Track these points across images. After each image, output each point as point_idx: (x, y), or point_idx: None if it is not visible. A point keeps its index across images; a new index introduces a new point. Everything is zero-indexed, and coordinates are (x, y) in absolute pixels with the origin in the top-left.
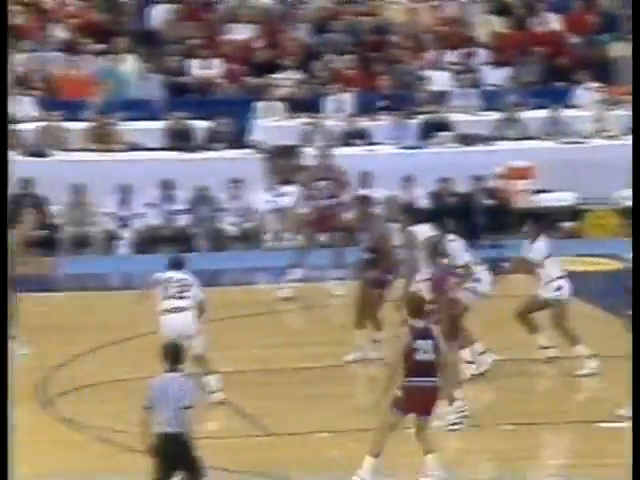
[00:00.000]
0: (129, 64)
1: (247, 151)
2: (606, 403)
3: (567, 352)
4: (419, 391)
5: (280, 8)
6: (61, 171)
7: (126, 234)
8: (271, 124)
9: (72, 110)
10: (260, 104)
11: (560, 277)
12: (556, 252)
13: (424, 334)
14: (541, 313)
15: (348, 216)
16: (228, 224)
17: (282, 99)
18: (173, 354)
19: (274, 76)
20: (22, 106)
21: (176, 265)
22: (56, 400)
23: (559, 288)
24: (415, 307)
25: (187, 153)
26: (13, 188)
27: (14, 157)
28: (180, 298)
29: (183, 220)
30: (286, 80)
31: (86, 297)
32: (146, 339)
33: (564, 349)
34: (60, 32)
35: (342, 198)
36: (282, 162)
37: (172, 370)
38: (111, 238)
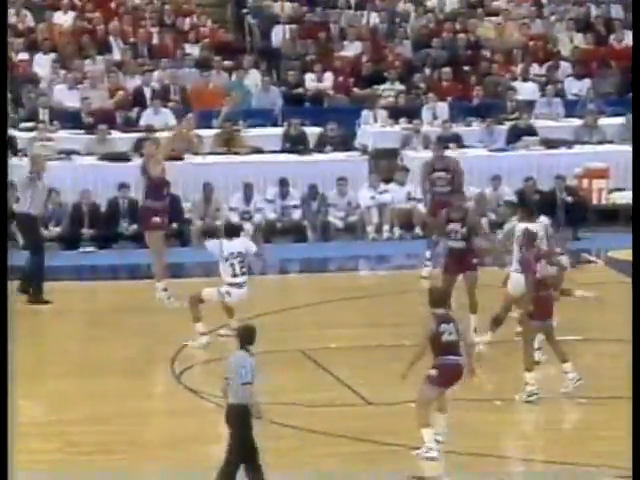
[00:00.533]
0: (253, 78)
1: (353, 153)
2: None
3: None
4: (449, 367)
5: (385, 26)
6: (193, 172)
7: (248, 226)
8: (375, 129)
9: (204, 119)
10: (365, 112)
11: None
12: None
13: (446, 319)
14: None
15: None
16: (335, 218)
17: (385, 107)
18: (245, 335)
19: (378, 87)
20: (161, 116)
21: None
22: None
23: None
24: (435, 297)
25: (301, 155)
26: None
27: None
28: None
29: (296, 214)
30: (389, 91)
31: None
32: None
33: None
34: (194, 50)
35: (458, 188)
36: (384, 163)
37: (242, 349)
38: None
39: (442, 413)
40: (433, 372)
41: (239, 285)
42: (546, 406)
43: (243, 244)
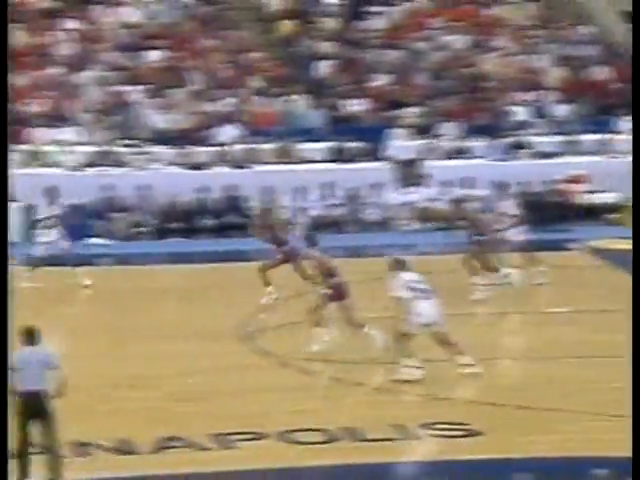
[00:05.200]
0: (302, 103)
1: (383, 163)
2: None
3: None
4: None
5: (407, 61)
6: (256, 178)
7: (300, 221)
8: (400, 144)
9: (264, 135)
10: (392, 130)
11: None
12: (603, 235)
13: None
14: None
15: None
16: (370, 214)
17: (407, 126)
18: None
19: (402, 110)
20: (230, 134)
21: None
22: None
23: None
24: None
25: (342, 164)
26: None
27: (221, 170)
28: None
29: (338, 211)
30: (410, 113)
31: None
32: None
33: None
34: (257, 81)
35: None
36: (407, 171)
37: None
38: (289, 224)
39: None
40: None
41: None
42: None
43: None
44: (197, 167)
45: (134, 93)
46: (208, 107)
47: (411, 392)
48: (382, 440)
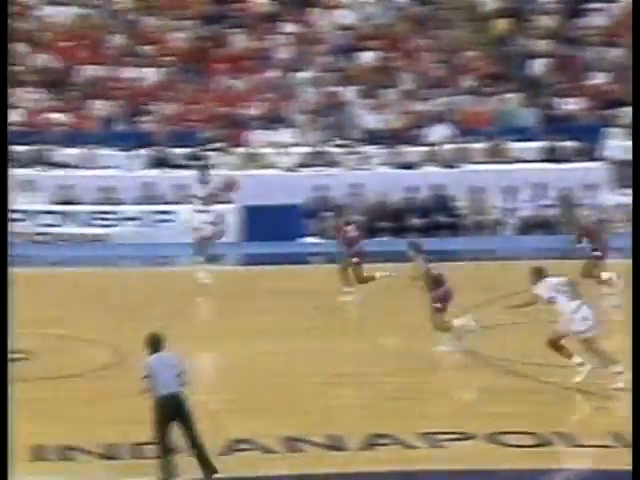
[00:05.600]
0: (516, 101)
1: (599, 163)
2: None
3: None
4: None
5: (625, 60)
6: (465, 178)
7: (510, 221)
8: (617, 144)
9: (475, 135)
10: (610, 129)
11: None
12: None
13: None
14: None
15: None
16: (583, 215)
17: (626, 126)
18: None
19: (621, 109)
20: (441, 134)
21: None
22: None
23: None
24: None
25: (555, 164)
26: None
27: (430, 169)
28: None
29: (550, 212)
30: (626, 112)
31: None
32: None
33: None
34: (469, 81)
35: None
36: (624, 171)
37: None
38: (499, 224)
39: None
40: None
41: None
42: None
43: None
44: (407, 167)
45: (347, 94)
46: (419, 107)
47: (624, 398)
48: (598, 447)
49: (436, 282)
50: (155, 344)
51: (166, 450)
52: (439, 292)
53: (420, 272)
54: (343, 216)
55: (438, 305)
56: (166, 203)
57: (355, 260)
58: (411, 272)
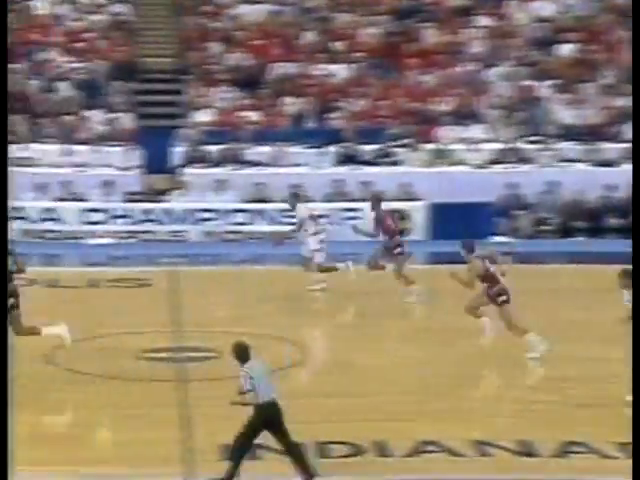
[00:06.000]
0: None
1: None
2: None
3: None
4: None
5: None
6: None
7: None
8: None
9: None
10: None
11: None
12: None
13: None
14: None
15: None
16: None
17: None
18: None
19: None
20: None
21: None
22: None
23: None
24: None
25: None
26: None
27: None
28: None
29: None
30: None
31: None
32: None
33: None
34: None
35: None
36: None
37: None
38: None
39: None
40: None
41: None
42: None
43: None
44: (605, 164)
45: (543, 88)
46: (620, 102)
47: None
48: None
49: (493, 280)
50: (243, 353)
51: (244, 456)
52: (497, 288)
53: (479, 272)
54: (536, 214)
55: (504, 298)
56: (354, 200)
57: (397, 251)
58: (468, 272)
